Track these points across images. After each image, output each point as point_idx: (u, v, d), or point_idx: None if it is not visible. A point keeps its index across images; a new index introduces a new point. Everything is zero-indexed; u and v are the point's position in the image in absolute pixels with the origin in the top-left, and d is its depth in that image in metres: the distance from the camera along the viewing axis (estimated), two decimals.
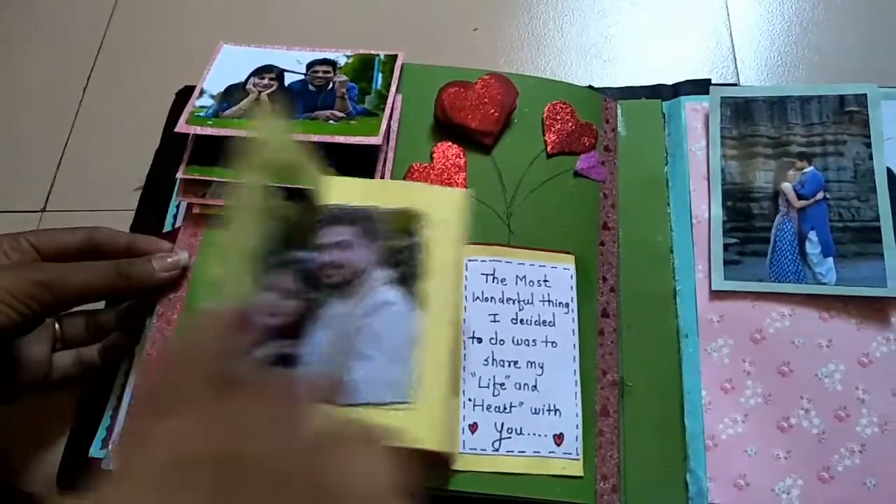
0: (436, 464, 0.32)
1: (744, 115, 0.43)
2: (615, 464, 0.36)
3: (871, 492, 0.35)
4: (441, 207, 0.34)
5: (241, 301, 0.29)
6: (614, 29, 0.52)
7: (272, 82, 0.43)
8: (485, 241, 0.39)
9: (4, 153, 0.51)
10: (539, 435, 0.35)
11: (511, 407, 0.35)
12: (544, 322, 0.37)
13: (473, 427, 0.35)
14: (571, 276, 0.38)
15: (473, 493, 0.34)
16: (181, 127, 0.41)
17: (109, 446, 0.37)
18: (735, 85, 0.48)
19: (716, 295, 0.39)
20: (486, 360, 0.36)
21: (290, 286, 0.32)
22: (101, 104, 0.53)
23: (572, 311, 0.37)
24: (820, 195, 0.40)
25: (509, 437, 0.34)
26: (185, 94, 0.48)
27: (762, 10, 0.51)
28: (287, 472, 0.21)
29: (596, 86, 0.48)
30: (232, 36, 0.46)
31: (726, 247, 0.40)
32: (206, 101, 0.42)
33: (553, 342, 0.37)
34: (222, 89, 0.43)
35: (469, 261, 0.38)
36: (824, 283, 0.38)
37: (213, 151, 0.41)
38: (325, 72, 0.43)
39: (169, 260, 0.38)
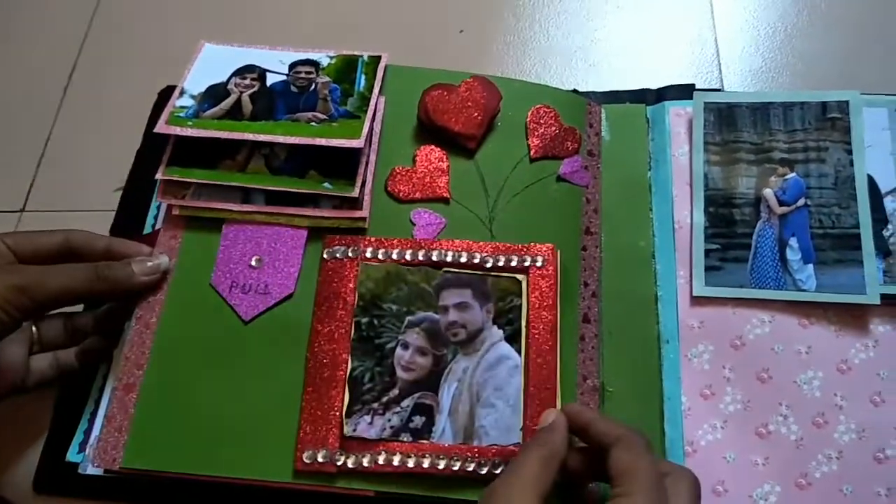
0: None
1: (727, 120, 0.43)
2: None
3: (847, 498, 0.35)
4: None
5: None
6: (600, 33, 0.52)
7: (254, 83, 0.43)
8: None
9: None
10: None
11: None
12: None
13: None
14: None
15: (447, 496, 0.34)
16: (161, 128, 0.40)
17: (87, 450, 0.36)
18: (719, 90, 0.48)
19: (697, 301, 0.39)
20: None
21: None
22: (83, 103, 0.52)
23: None
24: (801, 202, 0.40)
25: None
26: (167, 94, 0.47)
27: (747, 17, 0.51)
28: None
29: (580, 90, 0.48)
30: (215, 35, 0.46)
31: (708, 252, 0.40)
32: (186, 101, 0.42)
33: None
34: (203, 89, 0.42)
35: None
36: (804, 290, 0.38)
37: (193, 152, 0.40)
38: (307, 73, 0.43)
39: (149, 264, 0.38)
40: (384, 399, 0.35)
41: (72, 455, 0.37)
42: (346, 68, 0.43)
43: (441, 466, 0.34)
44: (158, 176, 0.40)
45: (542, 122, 0.43)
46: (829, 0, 0.51)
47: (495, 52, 0.52)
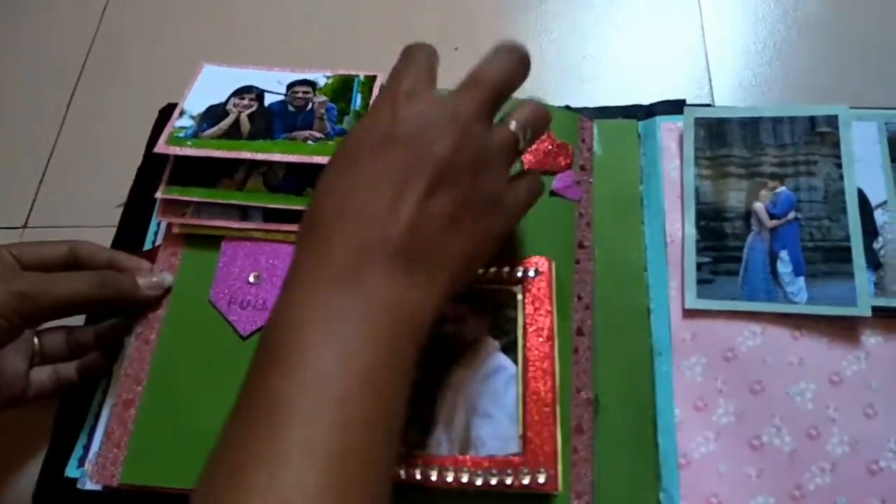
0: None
1: (717, 135, 0.44)
2: (589, 481, 0.36)
3: None
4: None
5: None
6: (592, 50, 0.53)
7: (252, 103, 0.44)
8: None
9: None
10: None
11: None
12: None
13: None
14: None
15: None
16: (160, 147, 0.41)
17: (86, 466, 0.37)
18: (709, 105, 0.48)
19: (689, 313, 0.40)
20: None
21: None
22: (85, 120, 0.53)
23: None
24: (791, 215, 0.41)
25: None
26: (167, 112, 0.48)
27: (737, 32, 0.52)
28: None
29: (573, 106, 0.48)
30: (214, 54, 0.47)
31: (699, 266, 0.40)
32: (185, 121, 0.43)
33: None
34: (203, 110, 0.43)
35: None
36: (795, 302, 0.39)
37: (192, 171, 0.41)
38: (304, 92, 0.44)
39: (154, 279, 0.39)
40: None
41: (71, 470, 0.37)
42: (343, 88, 0.44)
43: (434, 478, 0.34)
44: (158, 195, 0.41)
45: None
46: (818, 15, 0.52)
47: None
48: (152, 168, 0.45)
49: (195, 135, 0.42)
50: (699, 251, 0.41)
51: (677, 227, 0.42)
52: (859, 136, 0.42)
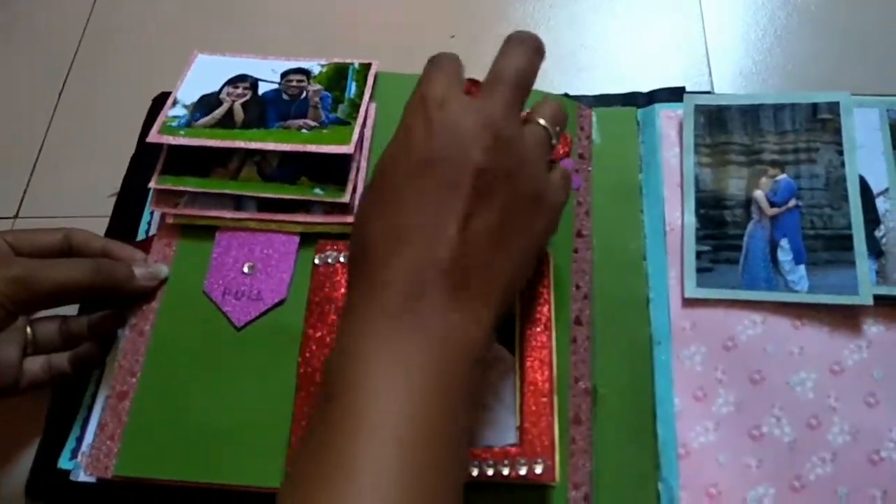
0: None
1: (717, 122, 0.43)
2: (587, 472, 0.36)
3: (842, 501, 0.35)
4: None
5: None
6: (590, 38, 0.52)
7: (246, 91, 0.43)
8: None
9: None
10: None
11: None
12: None
13: None
14: None
15: None
16: (153, 137, 0.41)
17: (79, 457, 0.36)
18: (709, 93, 0.48)
19: (688, 302, 0.39)
20: None
21: None
22: (77, 109, 0.53)
23: None
24: (792, 203, 0.40)
25: None
26: (161, 101, 0.48)
27: (737, 19, 0.51)
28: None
29: (572, 94, 0.48)
30: (208, 42, 0.46)
31: (699, 254, 0.40)
32: (178, 110, 0.42)
33: None
34: (196, 99, 0.43)
35: None
36: (796, 291, 0.38)
37: (186, 161, 0.41)
38: (298, 81, 0.43)
39: (150, 269, 0.38)
40: None
41: (64, 462, 0.37)
42: (337, 76, 0.44)
43: None
44: (152, 185, 0.40)
45: None
46: (818, 2, 0.51)
47: (486, 58, 0.51)
48: (145, 157, 0.44)
49: (188, 124, 0.41)
50: (699, 240, 0.40)
51: (677, 215, 0.42)
52: (861, 123, 0.42)
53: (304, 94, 0.43)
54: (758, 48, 0.50)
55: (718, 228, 0.40)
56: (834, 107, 0.42)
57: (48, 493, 0.37)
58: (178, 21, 0.56)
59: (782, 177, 0.41)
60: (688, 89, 0.47)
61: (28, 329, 0.38)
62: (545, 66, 0.51)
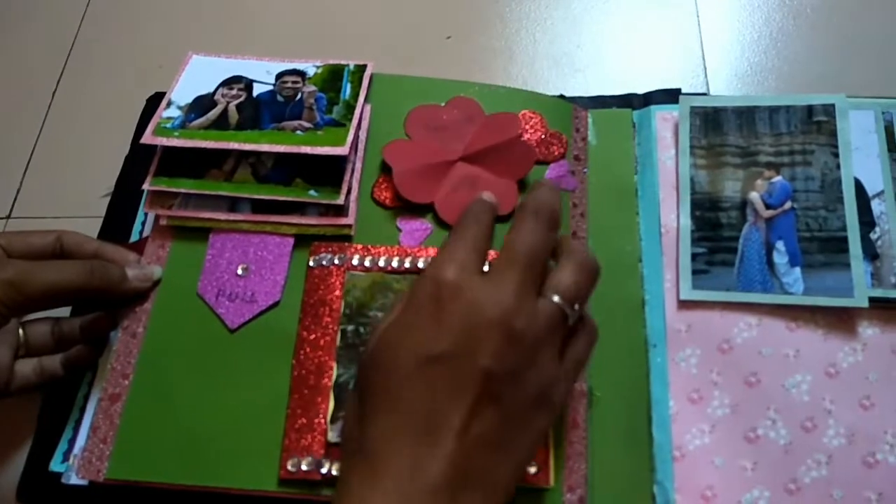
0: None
1: (713, 124, 0.43)
2: (583, 475, 0.36)
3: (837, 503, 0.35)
4: None
5: None
6: (587, 39, 0.52)
7: (241, 93, 0.43)
8: None
9: None
10: None
11: None
12: None
13: None
14: None
15: None
16: (147, 138, 0.40)
17: (71, 460, 0.36)
18: (705, 94, 0.48)
19: (684, 304, 0.39)
20: None
21: None
22: (71, 108, 0.52)
23: None
24: (788, 205, 0.40)
25: None
26: (155, 101, 0.48)
27: (733, 21, 0.51)
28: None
29: (568, 95, 0.48)
30: (203, 42, 0.47)
31: (694, 256, 0.40)
32: (173, 112, 0.42)
33: None
34: (190, 100, 0.42)
35: None
36: (791, 293, 0.38)
37: (180, 162, 0.41)
38: (293, 82, 0.43)
39: (144, 271, 0.38)
40: None
41: (55, 465, 0.37)
42: (332, 77, 0.43)
43: None
44: (145, 186, 0.40)
45: (527, 127, 0.43)
46: (813, 4, 0.51)
47: (482, 58, 0.52)
48: (139, 158, 0.44)
49: (183, 125, 0.41)
50: (694, 242, 0.40)
51: (672, 217, 0.42)
52: (856, 126, 0.42)
53: (299, 96, 0.42)
54: (754, 50, 0.50)
55: (714, 230, 0.40)
56: (829, 109, 0.42)
57: (40, 497, 0.37)
58: (173, 21, 0.56)
59: (778, 179, 0.41)
60: (684, 91, 0.47)
61: (20, 331, 0.38)
62: (540, 68, 0.52)
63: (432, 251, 0.39)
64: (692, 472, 0.36)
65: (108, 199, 0.47)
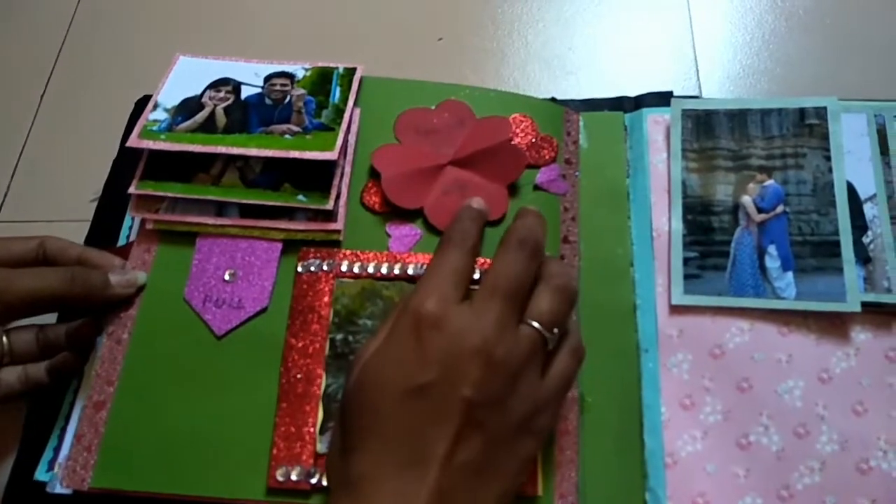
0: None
1: (705, 127, 0.43)
2: (574, 482, 0.35)
3: None
4: None
5: None
6: (578, 41, 0.52)
7: (228, 95, 0.42)
8: None
9: None
10: None
11: None
12: None
13: None
14: None
15: None
16: (133, 142, 0.40)
17: (56, 469, 0.36)
18: (697, 97, 0.48)
19: (675, 309, 0.39)
20: None
21: None
22: (59, 111, 0.52)
23: None
24: (780, 209, 0.40)
25: None
26: (143, 104, 0.46)
27: (725, 23, 0.51)
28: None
29: (559, 98, 0.48)
30: (191, 45, 0.46)
31: (686, 261, 0.40)
32: (159, 114, 0.41)
33: None
34: (177, 102, 0.42)
35: None
36: (784, 298, 0.38)
37: (167, 166, 0.40)
38: (282, 85, 0.43)
39: (127, 277, 0.37)
40: None
41: (40, 474, 0.36)
42: (321, 80, 0.43)
43: None
44: (132, 190, 0.39)
45: (518, 130, 0.43)
46: (806, 6, 0.51)
47: (474, 60, 0.52)
48: (128, 161, 0.43)
49: (169, 128, 0.40)
50: (686, 246, 0.40)
51: (664, 221, 0.41)
52: (848, 129, 0.42)
53: (288, 99, 0.42)
54: (746, 52, 0.50)
55: (706, 234, 0.40)
56: (821, 112, 0.42)
57: None
58: (161, 23, 0.56)
59: (770, 182, 0.41)
60: (676, 93, 0.47)
61: (4, 339, 0.37)
62: (532, 70, 0.51)
63: (422, 257, 0.38)
64: (684, 478, 0.35)
65: (97, 202, 0.46)
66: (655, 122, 0.45)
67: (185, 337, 0.37)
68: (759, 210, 0.40)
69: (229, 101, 0.42)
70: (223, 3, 0.56)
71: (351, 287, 0.37)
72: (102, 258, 0.38)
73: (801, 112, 0.42)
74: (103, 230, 0.44)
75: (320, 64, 0.44)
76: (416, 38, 0.53)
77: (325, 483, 0.33)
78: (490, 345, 0.28)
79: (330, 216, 0.39)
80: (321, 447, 0.34)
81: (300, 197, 0.39)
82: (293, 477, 0.33)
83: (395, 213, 0.40)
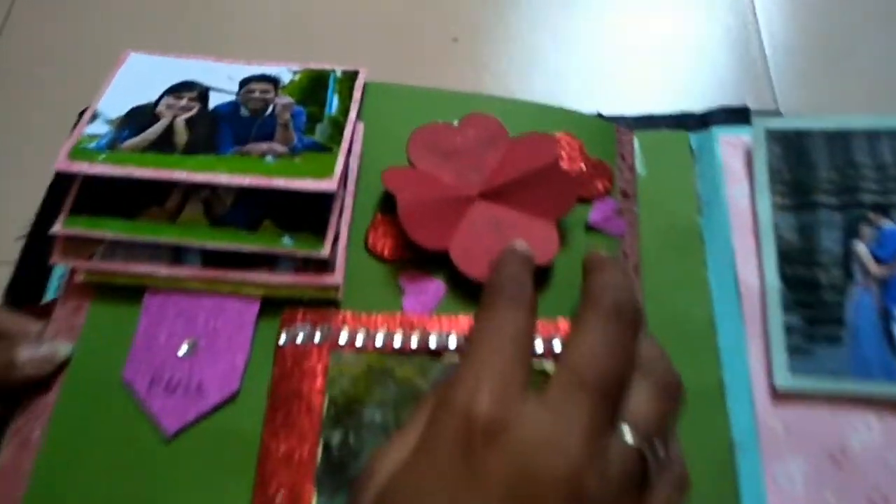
0: None
1: (796, 152, 0.35)
2: None
3: None
4: None
5: None
6: (622, 42, 0.44)
7: (192, 104, 0.34)
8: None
9: None
10: None
11: None
12: None
13: None
14: None
15: None
16: (61, 163, 0.31)
17: None
18: (778, 114, 0.39)
19: (779, 395, 0.30)
20: None
21: None
22: None
23: None
24: None
25: None
26: None
27: (797, 21, 0.43)
28: None
29: (605, 113, 0.39)
30: (149, 41, 0.38)
31: (788, 329, 0.31)
32: (100, 127, 0.32)
33: None
34: (124, 112, 0.33)
35: None
36: None
37: (107, 196, 0.32)
38: (263, 91, 0.34)
39: (42, 351, 0.28)
40: None
41: None
42: (314, 86, 0.34)
43: None
44: (56, 230, 0.30)
45: (563, 154, 0.34)
46: None
47: (495, 64, 0.44)
48: (67, 189, 0.35)
49: (112, 146, 0.32)
50: (786, 308, 0.31)
51: (752, 271, 0.33)
52: None
53: (271, 110, 0.33)
54: (830, 55, 0.42)
55: (811, 293, 0.31)
56: None
57: None
58: (111, 23, 0.47)
59: (889, 225, 0.32)
60: (749, 107, 0.39)
61: None
62: (571, 80, 0.43)
63: (448, 322, 0.29)
64: None
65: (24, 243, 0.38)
66: (731, 145, 0.36)
67: (121, 437, 0.27)
68: (878, 261, 0.32)
69: (193, 112, 0.33)
70: None
71: (353, 364, 0.28)
72: (14, 323, 0.30)
73: None
74: (28, 278, 0.36)
75: (312, 66, 0.36)
76: (426, 37, 0.45)
77: None
78: (578, 471, 0.20)
79: (325, 266, 0.30)
80: None
81: (285, 240, 0.30)
82: None
83: (410, 260, 0.31)
